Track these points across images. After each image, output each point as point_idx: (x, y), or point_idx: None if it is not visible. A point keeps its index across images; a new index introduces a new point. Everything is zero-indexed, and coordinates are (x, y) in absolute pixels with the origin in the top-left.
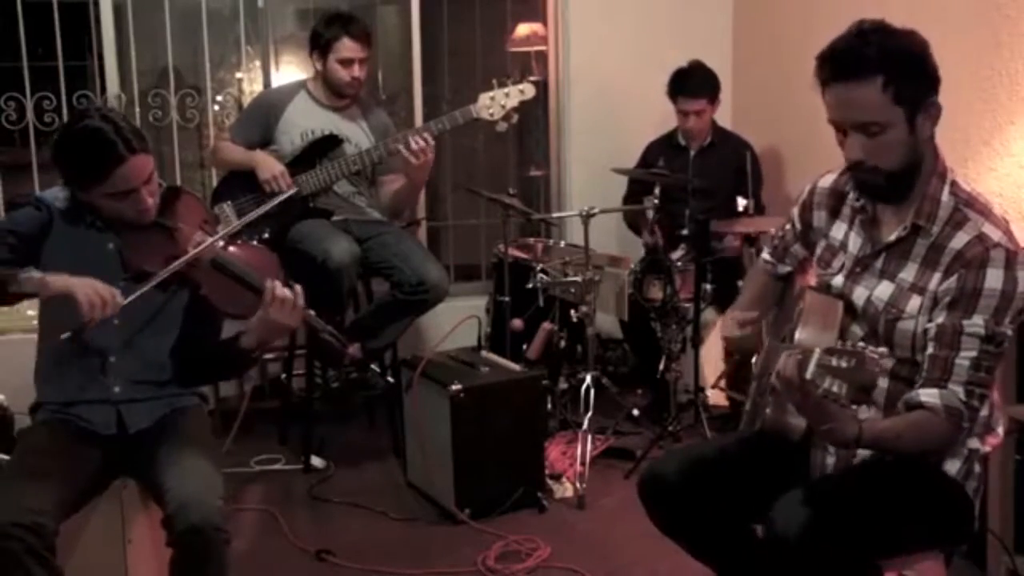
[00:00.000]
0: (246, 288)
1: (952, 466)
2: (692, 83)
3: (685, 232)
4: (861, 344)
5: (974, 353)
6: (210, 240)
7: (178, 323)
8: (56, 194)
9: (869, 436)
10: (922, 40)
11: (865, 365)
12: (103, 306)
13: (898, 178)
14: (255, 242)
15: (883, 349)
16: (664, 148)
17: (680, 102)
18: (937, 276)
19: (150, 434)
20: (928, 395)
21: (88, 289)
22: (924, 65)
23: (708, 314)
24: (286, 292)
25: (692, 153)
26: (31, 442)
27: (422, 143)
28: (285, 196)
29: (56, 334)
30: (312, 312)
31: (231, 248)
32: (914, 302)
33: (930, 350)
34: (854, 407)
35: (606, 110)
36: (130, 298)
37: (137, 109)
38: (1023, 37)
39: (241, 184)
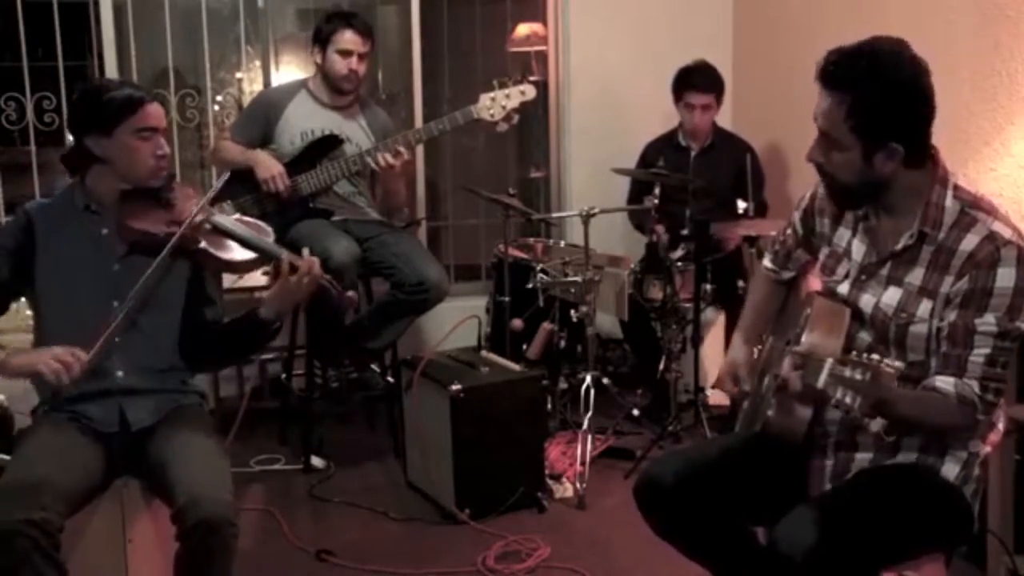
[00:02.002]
0: (240, 241)
1: (951, 471)
2: (701, 78)
3: (685, 232)
4: (875, 357)
5: (988, 350)
6: (203, 200)
7: (179, 302)
8: (43, 201)
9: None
10: (918, 82)
11: (881, 380)
12: (67, 370)
13: (852, 192)
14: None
15: (899, 364)
16: (664, 148)
17: (688, 96)
18: (949, 279)
19: (153, 431)
20: (944, 382)
21: (48, 360)
22: (902, 108)
23: (708, 314)
24: (309, 261)
25: (693, 153)
26: (35, 439)
27: (390, 159)
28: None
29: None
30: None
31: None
32: (925, 305)
33: (943, 348)
34: (866, 420)
35: (606, 110)
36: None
37: None
38: (1023, 37)
39: (240, 184)
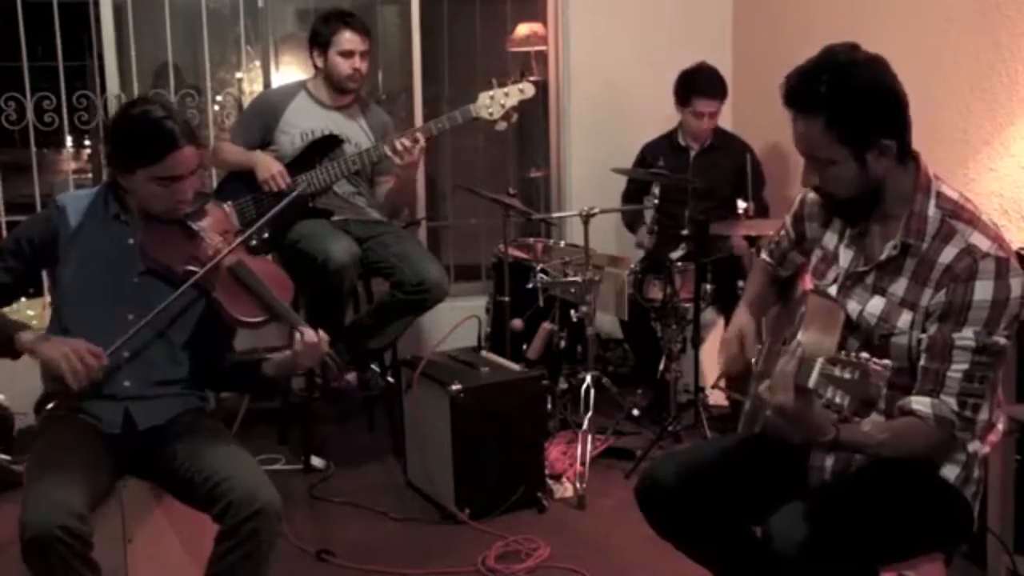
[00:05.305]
0: (256, 299)
1: (950, 472)
2: (709, 85)
3: (685, 232)
4: (865, 356)
5: (966, 365)
6: (227, 248)
7: (190, 327)
8: (78, 194)
9: (847, 441)
10: (881, 77)
11: (869, 378)
12: (87, 373)
13: (855, 204)
14: (254, 241)
15: (887, 361)
16: (664, 148)
17: (697, 104)
18: (928, 291)
19: (166, 433)
20: (920, 403)
21: (73, 358)
22: (877, 105)
23: (708, 314)
24: (315, 338)
25: (692, 154)
26: (50, 441)
27: (408, 143)
28: (291, 197)
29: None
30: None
31: (250, 259)
32: (906, 317)
33: (922, 362)
34: (855, 419)
35: (606, 110)
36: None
37: None
38: (1023, 37)
39: (241, 185)
